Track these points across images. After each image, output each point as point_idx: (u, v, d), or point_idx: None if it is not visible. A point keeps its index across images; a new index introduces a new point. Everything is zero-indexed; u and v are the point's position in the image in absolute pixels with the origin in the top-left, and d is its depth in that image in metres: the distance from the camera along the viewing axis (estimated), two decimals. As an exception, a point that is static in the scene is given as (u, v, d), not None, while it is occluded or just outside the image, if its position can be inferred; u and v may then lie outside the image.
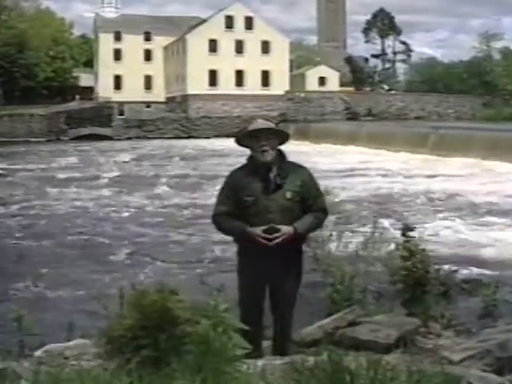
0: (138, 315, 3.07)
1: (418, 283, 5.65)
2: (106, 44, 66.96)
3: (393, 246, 6.28)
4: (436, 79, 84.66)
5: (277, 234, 3.97)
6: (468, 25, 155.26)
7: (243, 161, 4.28)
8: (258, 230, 3.97)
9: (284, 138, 4.22)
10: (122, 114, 60.74)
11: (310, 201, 4.16)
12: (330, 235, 7.24)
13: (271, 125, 4.19)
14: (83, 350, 4.05)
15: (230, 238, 4.33)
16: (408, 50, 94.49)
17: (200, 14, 69.54)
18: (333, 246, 7.20)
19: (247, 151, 4.24)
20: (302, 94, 62.11)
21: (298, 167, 4.22)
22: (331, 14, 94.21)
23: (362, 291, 6.10)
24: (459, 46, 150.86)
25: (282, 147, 4.24)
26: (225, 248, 10.88)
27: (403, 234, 5.97)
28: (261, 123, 4.18)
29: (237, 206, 4.10)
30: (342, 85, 69.16)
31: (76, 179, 26.44)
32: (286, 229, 4.00)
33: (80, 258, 11.90)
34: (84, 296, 8.79)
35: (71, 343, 4.40)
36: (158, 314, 3.02)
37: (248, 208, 4.06)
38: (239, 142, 4.24)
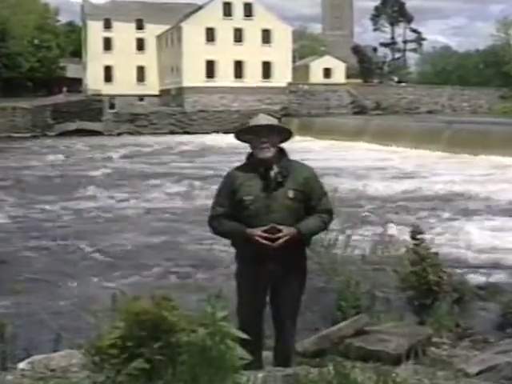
0: (128, 324, 3.07)
1: (430, 289, 5.65)
2: (94, 32, 66.91)
3: (402, 250, 6.28)
4: (450, 70, 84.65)
5: (279, 235, 3.97)
6: (488, 10, 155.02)
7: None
8: (258, 231, 3.98)
9: (286, 135, 4.23)
10: (112, 107, 60.75)
11: (314, 201, 4.16)
12: (336, 238, 7.24)
13: (273, 120, 4.21)
14: (70, 361, 4.05)
15: (228, 241, 4.33)
16: (420, 39, 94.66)
17: (196, 0, 69.57)
18: (338, 249, 7.20)
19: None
20: (306, 87, 62.09)
21: (300, 165, 4.24)
22: (337, 0, 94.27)
23: (369, 298, 6.09)
24: (477, 33, 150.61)
25: (284, 144, 4.25)
26: (223, 252, 10.88)
27: (413, 237, 5.97)
28: (263, 118, 4.19)
29: (235, 206, 4.10)
30: (348, 76, 69.13)
31: (60, 177, 26.46)
32: (288, 230, 4.00)
33: (67, 263, 11.88)
34: (71, 304, 8.79)
35: (57, 354, 4.40)
36: (151, 323, 3.01)
37: (247, 208, 4.06)
38: (238, 137, 4.27)
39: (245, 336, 3.04)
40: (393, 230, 8.91)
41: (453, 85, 69.78)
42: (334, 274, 6.53)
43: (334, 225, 6.82)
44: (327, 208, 4.23)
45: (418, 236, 5.93)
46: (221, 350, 2.95)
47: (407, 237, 6.16)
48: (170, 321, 2.96)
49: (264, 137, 4.08)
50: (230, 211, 4.10)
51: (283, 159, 4.16)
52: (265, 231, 3.97)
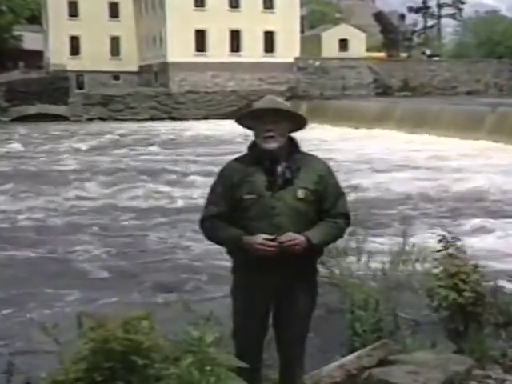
0: (98, 352, 3.06)
1: (467, 310, 5.65)
2: (58, -6, 66.88)
3: (431, 261, 6.28)
4: (497, 40, 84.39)
5: (282, 238, 3.95)
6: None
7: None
8: (259, 238, 3.97)
9: (299, 123, 4.23)
10: (81, 87, 60.83)
11: (328, 203, 4.14)
12: (348, 246, 7.24)
13: (283, 104, 4.19)
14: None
15: (223, 250, 4.31)
16: (459, 1, 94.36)
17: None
18: (351, 260, 7.19)
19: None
20: (317, 62, 62.17)
21: (313, 159, 4.23)
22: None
23: (393, 319, 6.09)
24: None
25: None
26: (217, 264, 10.89)
27: (444, 246, 5.97)
28: (269, 101, 4.17)
29: (234, 206, 4.10)
30: (369, 49, 69.25)
31: (19, 172, 26.50)
32: (295, 237, 3.98)
33: (24, 278, 11.88)
34: (28, 326, 8.79)
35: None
36: (125, 350, 3.01)
37: (247, 209, 4.06)
38: (240, 122, 4.25)
39: (241, 364, 3.04)
40: (418, 236, 8.92)
41: (500, 58, 69.70)
42: (348, 289, 6.52)
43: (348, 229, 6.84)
44: (343, 212, 4.22)
45: (451, 244, 5.93)
46: (212, 382, 2.95)
47: (436, 244, 6.16)
48: (146, 348, 2.95)
49: (270, 124, 4.08)
50: (227, 212, 4.09)
51: (294, 151, 4.16)
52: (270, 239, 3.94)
